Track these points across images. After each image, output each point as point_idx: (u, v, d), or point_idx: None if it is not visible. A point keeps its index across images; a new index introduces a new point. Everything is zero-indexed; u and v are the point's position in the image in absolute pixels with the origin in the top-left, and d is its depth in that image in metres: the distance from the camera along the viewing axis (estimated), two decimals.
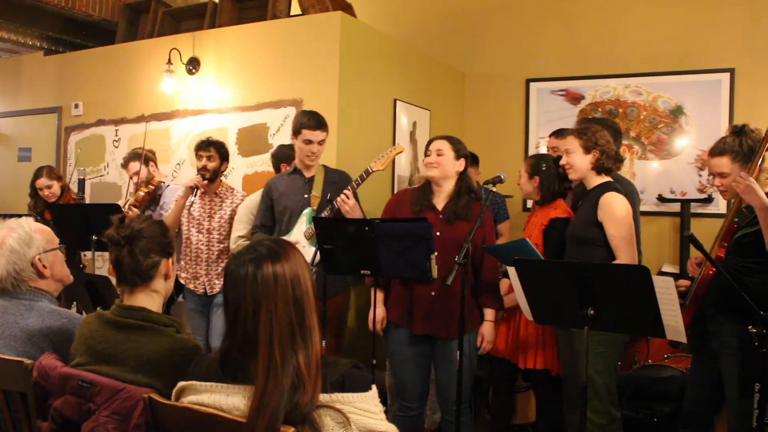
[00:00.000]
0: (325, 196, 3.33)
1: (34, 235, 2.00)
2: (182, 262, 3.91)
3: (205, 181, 3.78)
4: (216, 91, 4.72)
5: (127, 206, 4.10)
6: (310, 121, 3.30)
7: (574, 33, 5.22)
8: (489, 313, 2.94)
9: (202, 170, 3.77)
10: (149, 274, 1.78)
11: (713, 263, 2.38)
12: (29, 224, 2.02)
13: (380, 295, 2.92)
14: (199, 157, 3.82)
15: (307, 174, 3.42)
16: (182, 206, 3.79)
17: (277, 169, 3.86)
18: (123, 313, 1.75)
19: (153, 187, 4.09)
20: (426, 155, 2.96)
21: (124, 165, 4.47)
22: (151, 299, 1.80)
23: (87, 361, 1.72)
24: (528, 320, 3.09)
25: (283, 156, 3.84)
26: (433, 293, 2.83)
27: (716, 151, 2.58)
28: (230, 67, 4.68)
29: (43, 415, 1.77)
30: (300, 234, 3.31)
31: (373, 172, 3.19)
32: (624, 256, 2.67)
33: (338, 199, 3.18)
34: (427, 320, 2.85)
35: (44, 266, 2.00)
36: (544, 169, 3.21)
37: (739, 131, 2.53)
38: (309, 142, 3.30)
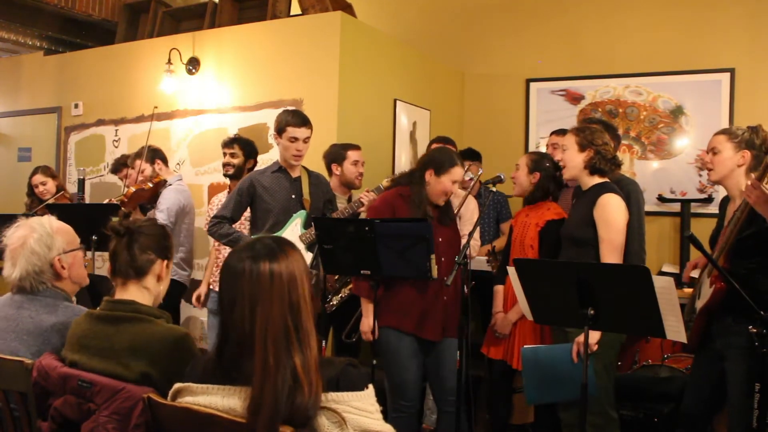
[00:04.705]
0: (316, 200, 3.36)
1: (55, 236, 2.02)
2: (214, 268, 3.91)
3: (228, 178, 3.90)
4: (216, 91, 4.72)
5: (115, 200, 4.04)
6: (294, 118, 3.27)
7: (574, 33, 5.22)
8: None
9: (225, 166, 3.87)
10: (143, 269, 1.81)
11: (714, 264, 2.37)
12: (51, 224, 2.04)
13: (371, 306, 2.90)
14: (223, 154, 3.90)
15: (293, 174, 3.37)
16: None
17: (329, 170, 3.81)
18: (112, 306, 1.77)
19: (151, 185, 4.08)
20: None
21: (117, 169, 4.51)
22: (141, 294, 1.82)
23: (80, 359, 1.73)
24: (524, 328, 3.12)
25: (339, 157, 3.80)
26: (445, 297, 2.88)
27: (719, 131, 2.64)
28: (230, 67, 4.67)
29: (43, 415, 1.77)
30: (294, 237, 3.26)
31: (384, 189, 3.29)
32: (608, 260, 2.66)
33: (363, 196, 3.33)
34: (438, 325, 2.91)
35: (63, 267, 2.01)
36: (547, 166, 3.20)
37: (754, 127, 2.56)
38: (294, 139, 3.25)
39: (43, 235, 1.99)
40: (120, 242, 1.80)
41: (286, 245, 1.50)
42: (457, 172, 2.92)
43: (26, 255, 1.96)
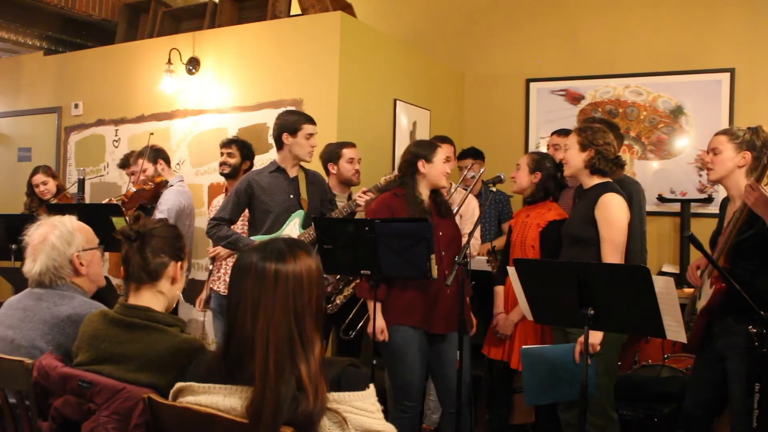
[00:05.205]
0: (314, 199, 3.35)
1: (75, 234, 2.06)
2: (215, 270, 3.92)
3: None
4: (216, 91, 4.72)
5: (115, 199, 4.04)
6: (307, 116, 3.32)
7: (574, 33, 5.22)
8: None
9: (221, 165, 3.94)
10: (157, 272, 1.79)
11: (714, 264, 2.38)
12: (71, 222, 2.09)
13: (378, 305, 2.89)
14: (220, 153, 3.96)
15: (291, 174, 3.35)
16: None
17: (325, 170, 3.80)
18: (127, 311, 1.75)
19: (152, 185, 4.09)
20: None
21: (125, 164, 4.49)
22: (156, 299, 1.80)
23: (90, 360, 1.72)
24: (525, 329, 3.12)
25: (334, 155, 3.79)
26: (448, 291, 2.86)
27: (720, 131, 2.63)
28: (230, 67, 4.67)
29: (43, 414, 1.77)
30: (293, 237, 3.27)
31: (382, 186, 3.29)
32: (610, 260, 2.66)
33: (359, 196, 3.31)
34: (443, 318, 2.92)
35: (81, 264, 2.06)
36: (548, 166, 3.20)
37: (754, 128, 2.56)
38: (310, 136, 3.28)
39: (64, 233, 2.04)
40: (131, 247, 1.78)
41: (300, 249, 1.47)
42: (443, 150, 3.06)
43: (47, 250, 2.01)
